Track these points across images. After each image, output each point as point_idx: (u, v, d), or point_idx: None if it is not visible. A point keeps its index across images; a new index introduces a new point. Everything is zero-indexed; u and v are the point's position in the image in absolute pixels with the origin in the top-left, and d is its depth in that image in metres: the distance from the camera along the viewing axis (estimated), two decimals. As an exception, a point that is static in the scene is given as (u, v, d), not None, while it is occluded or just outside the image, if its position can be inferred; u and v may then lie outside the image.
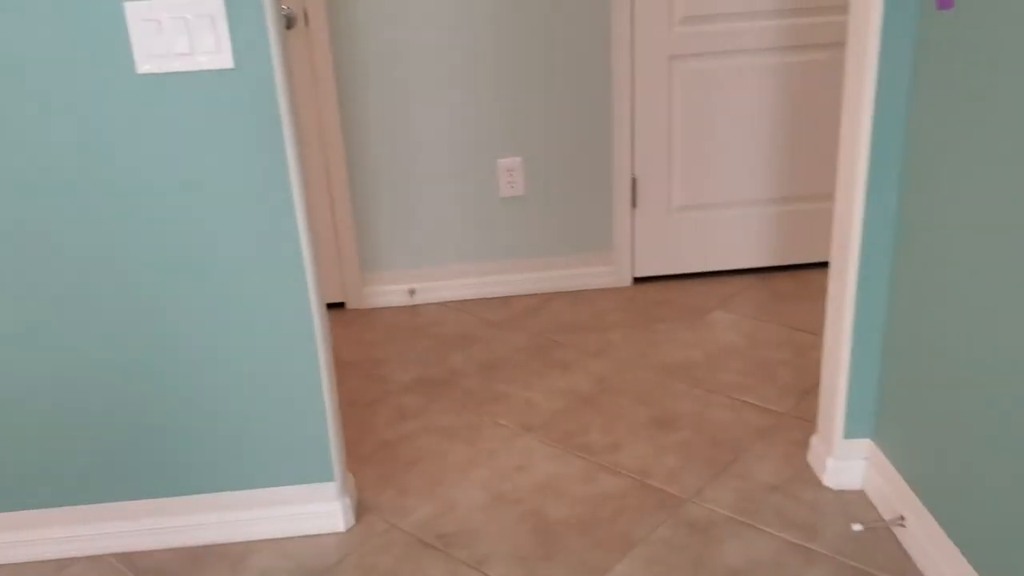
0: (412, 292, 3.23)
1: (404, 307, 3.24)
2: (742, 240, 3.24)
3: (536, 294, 3.26)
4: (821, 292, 3.12)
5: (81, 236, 1.80)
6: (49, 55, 1.67)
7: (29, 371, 1.90)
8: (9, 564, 2.06)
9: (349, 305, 3.24)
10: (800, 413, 2.44)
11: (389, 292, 3.24)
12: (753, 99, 3.06)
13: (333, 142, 3.01)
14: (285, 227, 1.83)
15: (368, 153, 3.06)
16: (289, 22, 2.83)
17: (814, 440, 2.22)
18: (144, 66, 1.70)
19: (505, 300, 3.23)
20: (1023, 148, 1.43)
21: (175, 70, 1.71)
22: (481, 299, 3.25)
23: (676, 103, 3.06)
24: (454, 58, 2.96)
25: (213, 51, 1.70)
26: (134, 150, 1.75)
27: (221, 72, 1.72)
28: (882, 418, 2.03)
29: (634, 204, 3.17)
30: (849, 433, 2.09)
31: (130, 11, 1.66)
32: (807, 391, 2.54)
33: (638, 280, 3.30)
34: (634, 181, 3.14)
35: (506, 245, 3.21)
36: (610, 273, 3.26)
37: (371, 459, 2.36)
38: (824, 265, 3.32)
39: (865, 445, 2.09)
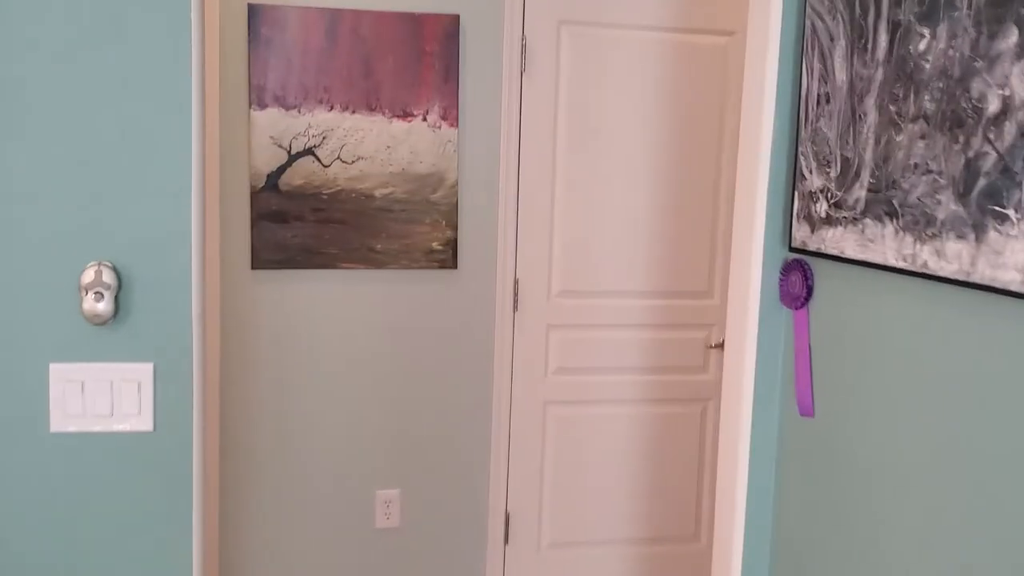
0: (273, 625, 3.09)
1: (263, 642, 3.08)
2: (609, 579, 3.32)
3: (403, 630, 3.18)
4: (684, 635, 3.19)
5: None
6: (-38, 410, 1.66)
7: None
8: None
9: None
10: None
11: (249, 625, 3.08)
12: (620, 444, 3.27)
13: (211, 460, 2.98)
14: (179, 590, 1.78)
15: (244, 476, 3.03)
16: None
17: None
18: (58, 425, 1.70)
19: (371, 636, 3.14)
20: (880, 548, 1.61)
21: (91, 430, 1.72)
22: (346, 634, 3.14)
23: (549, 444, 3.23)
24: (342, 391, 3.06)
25: (135, 414, 1.74)
26: (38, 507, 1.71)
27: (138, 434, 1.74)
28: None
29: (507, 540, 3.22)
30: None
31: (54, 372, 1.69)
32: None
33: (506, 616, 3.29)
34: (508, 516, 3.22)
35: (377, 578, 3.17)
36: (479, 609, 3.24)
37: None
38: (685, 605, 3.41)
39: None
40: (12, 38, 1.59)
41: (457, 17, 2.96)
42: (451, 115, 2.99)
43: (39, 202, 1.63)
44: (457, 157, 3.02)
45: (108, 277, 1.66)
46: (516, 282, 3.13)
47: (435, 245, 3.04)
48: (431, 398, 3.13)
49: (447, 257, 3.05)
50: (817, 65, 1.80)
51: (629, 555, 3.32)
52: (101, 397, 1.71)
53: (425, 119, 2.98)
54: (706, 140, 3.17)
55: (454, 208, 3.03)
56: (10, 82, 1.59)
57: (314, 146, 2.92)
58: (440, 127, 2.99)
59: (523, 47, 3.03)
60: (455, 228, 3.04)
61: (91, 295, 1.65)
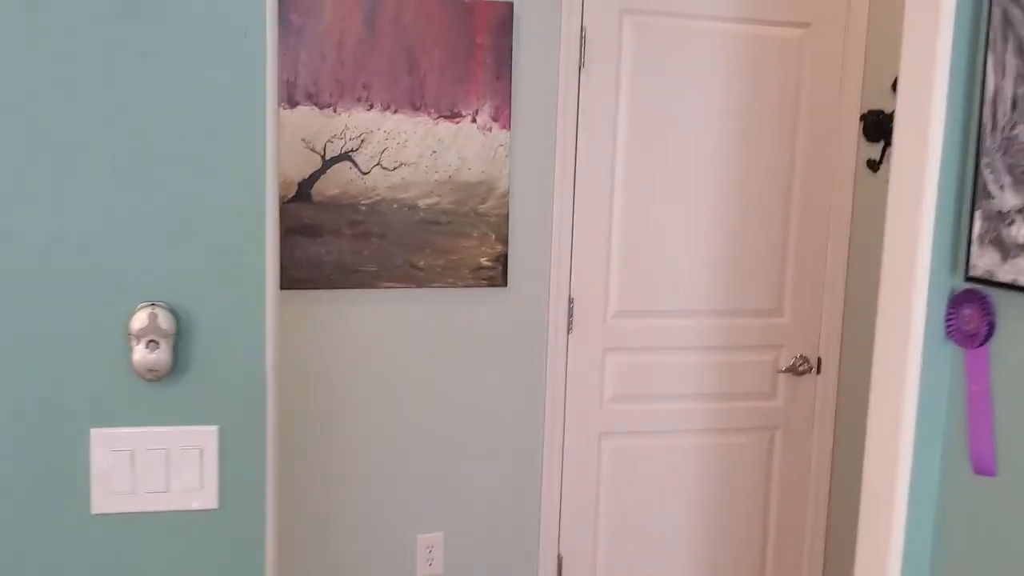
0: None
1: None
2: (667, 625, 3.03)
3: None
4: None
5: None
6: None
7: None
8: None
9: None
10: None
11: None
12: (679, 477, 2.98)
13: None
14: None
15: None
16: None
17: None
18: (101, 506, 1.36)
19: None
20: None
21: (142, 510, 1.38)
22: None
23: (604, 479, 2.93)
24: (380, 424, 2.73)
25: (196, 488, 1.40)
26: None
27: (201, 513, 1.41)
28: None
29: (559, 587, 2.92)
30: None
31: (97, 439, 1.35)
32: None
33: (556, 669, 2.98)
34: (560, 559, 2.91)
35: (417, 632, 2.84)
36: (528, 662, 2.93)
37: None
38: (746, 650, 3.13)
39: None
40: (37, 31, 1.24)
41: (511, 5, 2.64)
42: (503, 115, 2.67)
43: (76, 228, 1.28)
44: (509, 163, 2.69)
45: (165, 321, 1.32)
46: (571, 301, 2.81)
47: (483, 261, 2.71)
48: (477, 430, 2.81)
49: (496, 274, 2.73)
50: (1013, 61, 1.51)
51: (692, 600, 3.03)
52: (155, 469, 1.37)
53: (474, 120, 2.65)
54: (778, 143, 2.88)
55: (504, 220, 2.71)
56: (35, 79, 1.25)
57: (351, 150, 2.58)
58: (491, 129, 2.66)
59: (582, 39, 2.71)
60: (505, 242, 2.72)
61: (143, 344, 1.32)
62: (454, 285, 2.69)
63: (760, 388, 2.98)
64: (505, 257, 2.72)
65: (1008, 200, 1.52)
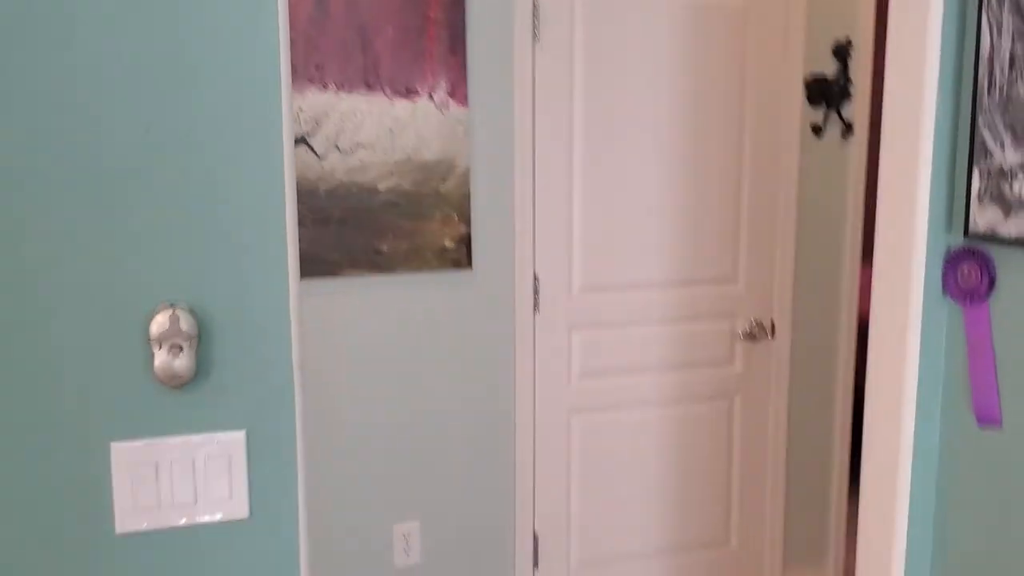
0: None
1: None
2: (642, 594, 3.06)
3: (427, 677, 2.82)
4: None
5: None
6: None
7: None
8: None
9: None
10: None
11: None
12: (645, 448, 3.00)
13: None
14: None
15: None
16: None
17: None
18: (126, 524, 1.27)
19: None
20: None
21: (170, 525, 1.29)
22: None
23: (575, 456, 2.92)
24: (349, 415, 2.65)
25: (225, 498, 1.32)
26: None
27: (231, 524, 1.32)
28: None
29: (536, 564, 2.90)
30: None
31: (118, 453, 1.25)
32: None
33: (535, 647, 2.98)
34: (536, 538, 2.90)
35: (396, 624, 2.79)
36: (507, 644, 2.92)
37: None
38: (715, 611, 3.19)
39: None
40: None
41: (461, -22, 2.57)
42: (459, 92, 2.60)
43: (85, 223, 1.18)
44: (468, 141, 2.63)
45: (186, 324, 1.23)
46: (536, 280, 2.78)
47: (447, 243, 2.65)
48: (448, 415, 2.76)
49: (460, 256, 2.67)
50: (1010, 19, 1.55)
51: (661, 568, 3.06)
52: (181, 480, 1.28)
53: (431, 97, 2.58)
54: (727, 112, 2.90)
55: (466, 199, 2.65)
56: (42, 74, 1.14)
57: (307, 133, 2.47)
58: (448, 106, 2.59)
59: (535, 11, 2.67)
60: (468, 223, 2.66)
61: (165, 349, 1.23)
62: (419, 269, 2.62)
63: (719, 355, 3.03)
64: (469, 238, 2.67)
65: (1009, 157, 1.56)
